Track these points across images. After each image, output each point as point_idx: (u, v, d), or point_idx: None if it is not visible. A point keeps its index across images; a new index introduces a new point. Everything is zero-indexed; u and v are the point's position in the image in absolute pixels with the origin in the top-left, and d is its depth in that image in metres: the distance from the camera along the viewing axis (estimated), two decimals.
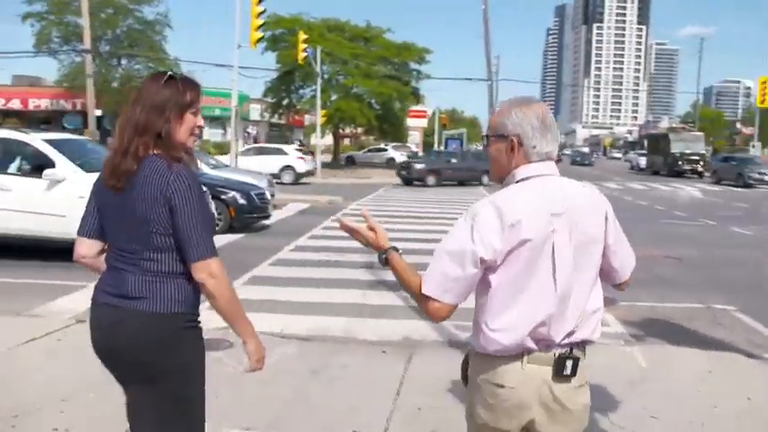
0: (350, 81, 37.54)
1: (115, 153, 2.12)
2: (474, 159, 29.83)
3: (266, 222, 13.18)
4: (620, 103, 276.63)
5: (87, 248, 2.29)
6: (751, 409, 4.32)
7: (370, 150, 48.63)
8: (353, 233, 2.20)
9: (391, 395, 4.34)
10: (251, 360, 2.21)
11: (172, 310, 2.11)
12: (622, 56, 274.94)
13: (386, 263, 2.14)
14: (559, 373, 1.96)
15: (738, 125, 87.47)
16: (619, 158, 78.31)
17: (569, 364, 1.97)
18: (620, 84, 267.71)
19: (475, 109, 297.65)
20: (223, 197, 11.70)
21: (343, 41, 37.92)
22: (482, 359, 2.02)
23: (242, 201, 12.00)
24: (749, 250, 11.77)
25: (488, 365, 1.99)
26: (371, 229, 2.16)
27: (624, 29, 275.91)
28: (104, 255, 2.26)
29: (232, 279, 7.46)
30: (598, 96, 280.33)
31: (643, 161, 49.14)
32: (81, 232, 2.29)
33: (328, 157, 42.22)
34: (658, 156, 43.07)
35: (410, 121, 48.86)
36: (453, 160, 30.27)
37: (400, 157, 41.56)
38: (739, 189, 29.65)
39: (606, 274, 2.16)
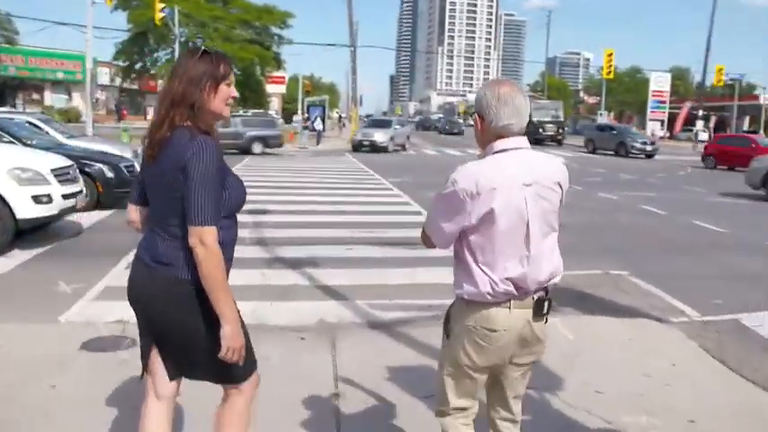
0: (209, 44, 35.73)
1: (153, 124, 2.26)
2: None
3: None
4: (472, 72, 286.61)
5: (135, 214, 2.51)
6: (679, 374, 4.44)
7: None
8: None
9: (329, 387, 4.02)
10: (222, 346, 2.19)
11: (196, 276, 2.19)
12: (474, 25, 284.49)
13: None
14: (539, 313, 2.35)
15: (582, 94, 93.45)
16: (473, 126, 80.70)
17: (546, 304, 2.37)
18: (473, 52, 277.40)
19: (333, 76, 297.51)
20: (88, 170, 10.49)
21: (201, 2, 36.01)
22: (474, 307, 2.31)
23: (110, 174, 10.91)
24: (620, 214, 12.48)
25: (480, 313, 2.30)
26: None
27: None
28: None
29: (111, 264, 6.86)
30: (451, 64, 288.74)
31: None
32: (131, 200, 2.52)
33: None
34: None
35: (269, 88, 47.60)
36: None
37: None
38: (620, 159, 30.71)
39: None
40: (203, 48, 2.30)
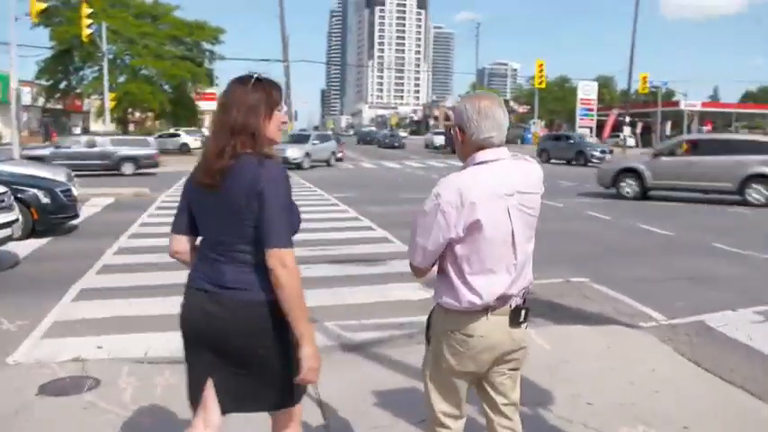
0: (139, 62, 34.84)
1: (211, 154, 2.27)
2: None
3: (74, 223, 11.56)
4: (402, 84, 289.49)
5: (181, 244, 2.46)
6: (661, 380, 4.44)
7: (161, 136, 45.68)
8: None
9: (317, 418, 3.83)
10: (302, 367, 2.21)
11: (269, 298, 2.23)
12: (404, 38, 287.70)
13: None
14: (515, 321, 2.40)
15: (512, 103, 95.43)
16: (405, 137, 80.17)
17: (523, 313, 2.42)
18: (403, 65, 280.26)
19: None
20: (22, 195, 9.89)
21: (129, 18, 34.97)
22: (452, 315, 2.37)
23: (45, 199, 10.34)
24: (568, 221, 12.64)
25: (458, 319, 2.37)
26: None
27: (405, 12, 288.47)
28: (196, 249, 2.44)
29: (56, 297, 6.44)
30: (382, 77, 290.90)
31: (438, 139, 50.49)
32: (174, 229, 2.47)
33: None
34: None
35: (202, 105, 46.68)
36: None
37: (194, 142, 39.55)
38: (580, 168, 30.31)
39: None
40: (255, 76, 2.34)
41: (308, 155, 28.90)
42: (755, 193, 15.45)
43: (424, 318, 6.10)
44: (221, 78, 40.59)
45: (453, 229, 2.26)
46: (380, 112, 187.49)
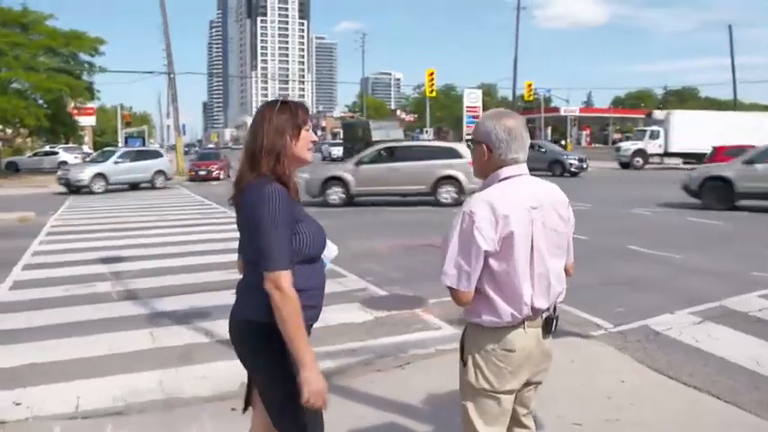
0: (9, 74, 32.26)
1: (239, 173, 2.38)
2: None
3: None
4: (287, 95, 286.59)
5: (239, 262, 2.55)
6: (632, 391, 4.45)
7: (36, 154, 42.69)
8: None
9: None
10: (304, 391, 2.19)
11: (251, 317, 2.34)
12: (287, 49, 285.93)
13: None
14: (548, 330, 2.46)
15: (398, 112, 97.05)
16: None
17: (554, 323, 2.48)
18: (287, 76, 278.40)
19: (144, 105, 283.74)
20: None
21: None
22: (489, 332, 2.39)
23: None
24: None
25: (496, 335, 2.39)
26: None
27: (287, 23, 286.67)
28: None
29: None
30: (266, 89, 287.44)
31: (336, 150, 49.24)
32: (239, 248, 2.54)
33: None
34: (358, 144, 39.83)
35: (82, 120, 44.05)
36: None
37: (74, 159, 37.20)
38: (557, 179, 29.36)
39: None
40: (282, 99, 2.43)
41: (101, 176, 25.03)
42: (445, 193, 17.25)
43: (374, 341, 5.89)
44: (103, 92, 38.37)
45: (491, 243, 2.29)
46: None
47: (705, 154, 29.91)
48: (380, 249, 10.25)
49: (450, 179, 17.19)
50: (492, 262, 2.31)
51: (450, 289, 2.35)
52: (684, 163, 34.92)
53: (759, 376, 4.78)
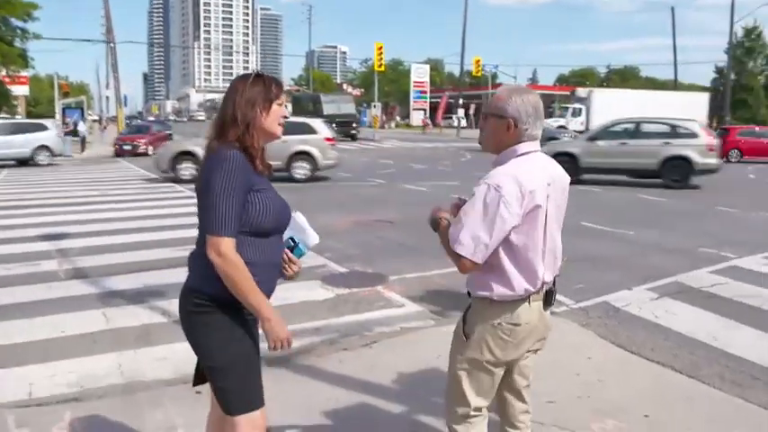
0: None
1: (207, 142, 2.36)
2: None
3: None
4: (231, 67, 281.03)
5: None
6: (599, 368, 4.51)
7: None
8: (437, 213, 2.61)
9: None
10: (269, 340, 2.26)
11: (194, 286, 2.33)
12: (231, 20, 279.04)
13: (437, 227, 2.55)
14: (548, 302, 2.52)
15: (345, 86, 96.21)
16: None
17: (553, 295, 2.54)
18: (231, 48, 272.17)
19: (80, 75, 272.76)
20: None
21: None
22: (497, 306, 2.42)
23: None
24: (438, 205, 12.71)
25: (504, 309, 2.42)
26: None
27: None
28: None
29: None
30: (209, 60, 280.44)
31: None
32: None
33: None
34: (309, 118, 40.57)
35: (15, 89, 42.06)
36: None
37: None
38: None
39: None
40: (256, 72, 2.41)
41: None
42: (300, 169, 16.96)
43: (338, 320, 5.79)
44: (38, 60, 36.60)
45: (517, 218, 2.30)
46: (210, 96, 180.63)
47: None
48: (334, 225, 10.10)
49: (304, 155, 16.94)
50: (512, 236, 2.33)
51: (460, 257, 2.32)
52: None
53: (717, 351, 4.91)
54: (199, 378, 2.51)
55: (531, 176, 2.35)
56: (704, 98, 42.98)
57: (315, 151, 16.93)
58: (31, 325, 5.43)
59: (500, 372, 2.54)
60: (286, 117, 2.46)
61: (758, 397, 4.08)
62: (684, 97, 43.21)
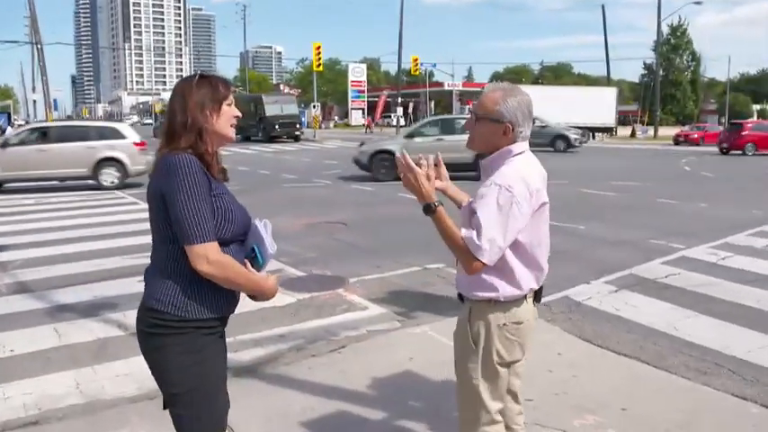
0: None
1: (157, 152, 2.20)
2: None
3: None
4: (164, 69, 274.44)
5: None
6: (571, 363, 4.55)
7: None
8: (409, 172, 2.32)
9: None
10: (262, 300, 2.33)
11: (150, 305, 2.17)
12: (162, 20, 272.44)
13: (433, 213, 2.33)
14: (538, 299, 2.55)
15: (282, 86, 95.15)
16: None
17: (541, 291, 2.56)
18: (163, 49, 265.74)
19: (2, 78, 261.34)
20: None
21: None
22: (500, 307, 2.41)
23: None
24: (387, 205, 12.70)
25: (507, 309, 2.42)
26: (429, 178, 2.34)
27: None
28: None
29: None
30: (141, 62, 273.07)
31: None
32: None
33: None
34: (250, 120, 37.88)
35: None
36: None
37: None
38: (560, 155, 27.40)
39: None
40: (200, 72, 2.28)
41: None
42: (107, 176, 16.13)
43: (300, 325, 5.67)
44: None
45: (527, 219, 2.30)
46: (142, 98, 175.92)
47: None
48: (285, 228, 9.92)
49: (112, 161, 16.15)
50: (520, 235, 2.33)
51: (474, 259, 2.27)
52: None
53: (679, 340, 5.03)
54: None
55: (534, 175, 2.37)
56: (611, 93, 44.65)
57: (123, 157, 16.10)
58: None
59: (507, 372, 2.53)
60: (238, 117, 2.31)
61: (725, 385, 4.18)
62: (590, 92, 44.95)
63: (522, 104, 2.37)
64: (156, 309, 2.14)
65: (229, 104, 2.25)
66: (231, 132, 2.28)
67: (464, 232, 2.30)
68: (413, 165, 2.31)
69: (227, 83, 2.28)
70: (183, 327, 2.14)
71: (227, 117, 2.24)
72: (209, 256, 2.06)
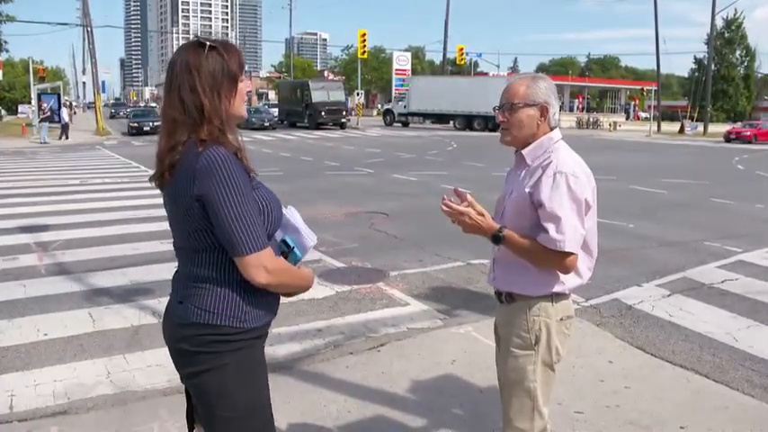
0: None
1: (162, 148, 1.89)
2: None
3: None
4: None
5: None
6: (623, 372, 4.27)
7: None
8: (461, 216, 2.26)
9: None
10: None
11: (202, 320, 1.86)
12: (210, 5, 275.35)
13: (502, 241, 2.27)
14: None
15: (326, 73, 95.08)
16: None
17: None
18: (210, 34, 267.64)
19: (55, 60, 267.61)
20: None
21: None
22: (560, 300, 2.35)
23: None
24: (429, 196, 12.44)
25: (564, 304, 2.38)
26: (480, 213, 2.27)
27: None
28: None
29: None
30: None
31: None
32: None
33: None
34: (296, 106, 37.38)
35: None
36: None
37: None
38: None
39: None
40: (209, 43, 1.85)
41: None
42: None
43: (339, 320, 5.49)
44: (11, 44, 35.58)
45: (590, 205, 2.29)
46: None
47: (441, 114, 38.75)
48: (325, 217, 9.79)
49: None
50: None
51: (567, 255, 2.20)
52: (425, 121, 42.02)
53: (740, 352, 4.70)
54: (193, 422, 2.10)
55: (581, 161, 2.34)
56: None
57: None
58: (10, 327, 5.07)
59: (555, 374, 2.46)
60: (250, 90, 2.05)
61: None
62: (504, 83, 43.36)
63: (551, 86, 2.36)
64: (211, 323, 1.86)
65: (242, 80, 1.92)
66: (244, 110, 1.98)
67: (539, 238, 2.21)
68: (461, 208, 2.25)
69: (239, 52, 1.93)
70: (241, 339, 1.89)
71: (242, 95, 1.93)
72: (267, 266, 1.82)
